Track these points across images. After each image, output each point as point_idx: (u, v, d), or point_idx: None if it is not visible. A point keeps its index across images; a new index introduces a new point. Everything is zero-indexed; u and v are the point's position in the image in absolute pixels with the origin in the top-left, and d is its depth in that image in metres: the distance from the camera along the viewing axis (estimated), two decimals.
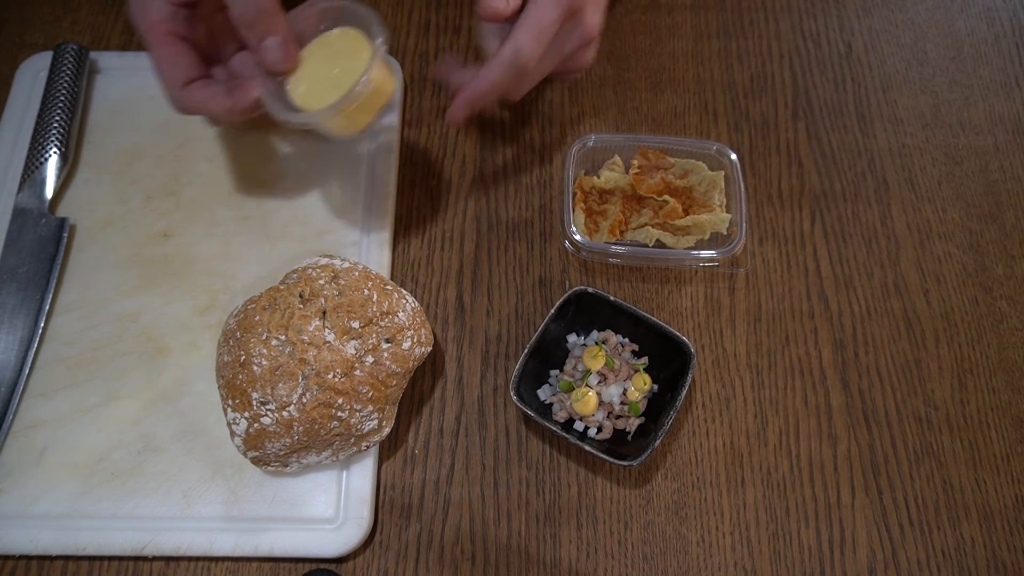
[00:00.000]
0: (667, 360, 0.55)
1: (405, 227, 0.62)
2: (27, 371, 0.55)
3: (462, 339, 0.58)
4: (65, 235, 0.58)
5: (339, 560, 0.51)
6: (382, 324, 0.50)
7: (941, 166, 0.65)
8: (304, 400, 0.47)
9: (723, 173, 0.61)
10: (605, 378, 0.54)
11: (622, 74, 0.69)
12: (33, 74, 0.65)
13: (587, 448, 0.51)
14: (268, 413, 0.47)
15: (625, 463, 0.50)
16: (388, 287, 0.52)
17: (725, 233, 0.59)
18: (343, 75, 0.50)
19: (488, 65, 0.53)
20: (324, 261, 0.53)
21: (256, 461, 0.49)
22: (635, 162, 0.61)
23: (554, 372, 0.56)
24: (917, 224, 0.63)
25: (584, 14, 0.54)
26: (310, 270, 0.52)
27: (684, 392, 0.52)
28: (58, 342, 0.56)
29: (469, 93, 0.54)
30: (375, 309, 0.50)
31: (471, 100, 0.54)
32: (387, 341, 0.50)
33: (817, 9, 0.72)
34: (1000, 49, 0.70)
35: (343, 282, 0.50)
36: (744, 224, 0.58)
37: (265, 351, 0.48)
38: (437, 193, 0.63)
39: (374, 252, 0.59)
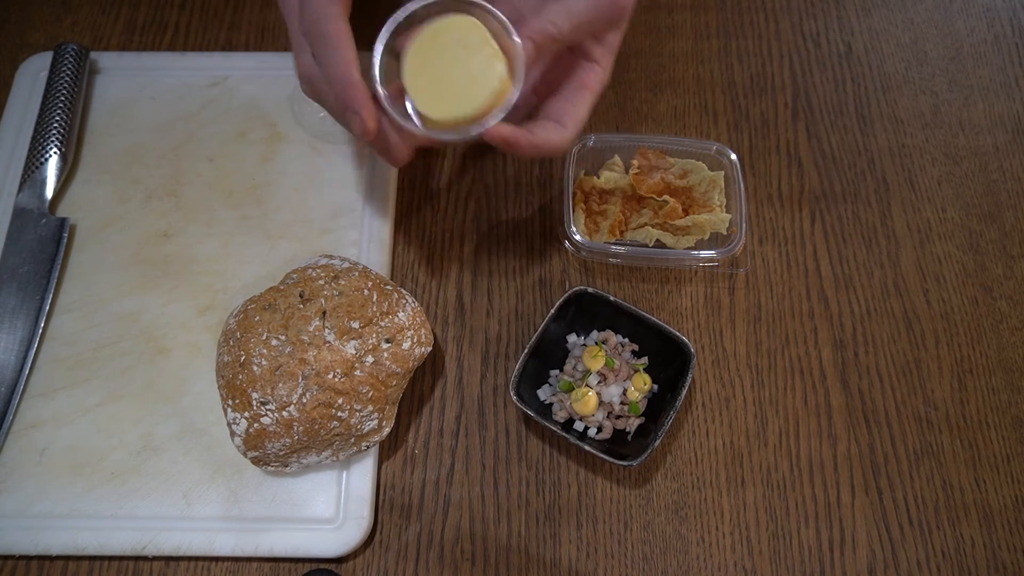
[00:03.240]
0: (667, 360, 0.55)
1: (405, 227, 0.62)
2: (27, 371, 0.55)
3: (462, 339, 0.58)
4: (65, 235, 0.58)
5: (339, 560, 0.51)
6: (382, 324, 0.50)
7: (941, 166, 0.65)
8: (304, 400, 0.47)
9: (723, 173, 0.61)
10: (605, 378, 0.54)
11: (622, 74, 0.69)
12: (33, 74, 0.65)
13: (587, 448, 0.51)
14: (268, 413, 0.47)
15: (625, 463, 0.50)
16: (388, 287, 0.52)
17: (725, 233, 0.59)
18: (466, 74, 0.45)
19: (544, 136, 0.49)
20: (324, 261, 0.53)
21: (256, 461, 0.49)
22: (635, 162, 0.61)
23: (554, 372, 0.56)
24: (917, 224, 0.63)
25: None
26: (310, 270, 0.52)
27: (684, 392, 0.52)
28: (58, 342, 0.56)
29: (524, 145, 0.48)
30: (375, 309, 0.50)
31: (520, 146, 0.48)
32: (387, 341, 0.50)
33: (817, 9, 0.72)
34: (1000, 49, 0.70)
35: (343, 282, 0.50)
36: (744, 224, 0.58)
37: (265, 351, 0.48)
38: (437, 193, 0.63)
39: (374, 252, 0.59)
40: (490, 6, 0.46)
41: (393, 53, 0.47)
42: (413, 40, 0.46)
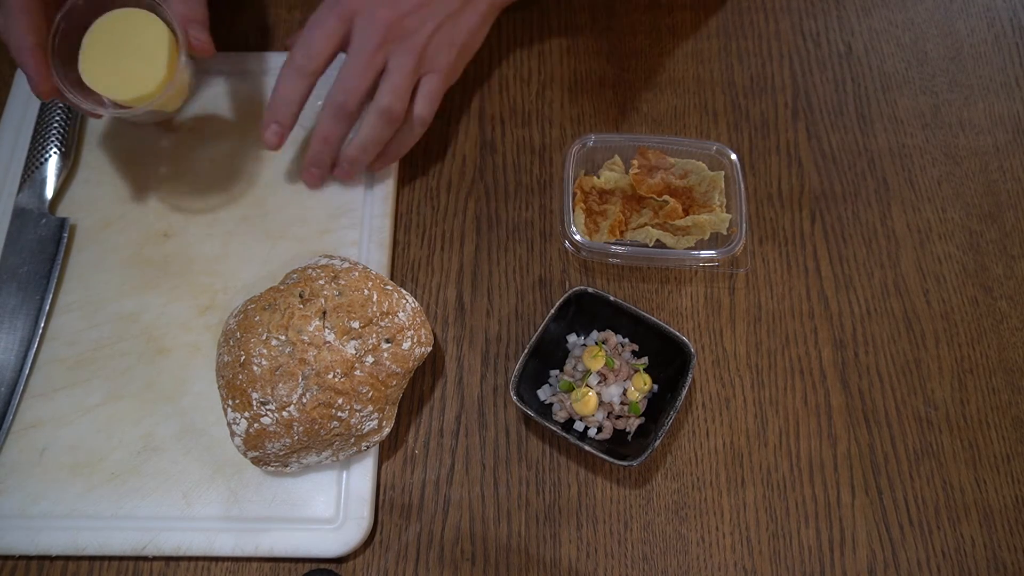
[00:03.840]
0: (667, 360, 0.55)
1: (405, 227, 0.62)
2: (27, 371, 0.55)
3: (462, 339, 0.58)
4: (65, 235, 0.58)
5: (339, 560, 0.51)
6: (382, 324, 0.50)
7: (941, 166, 0.65)
8: (304, 400, 0.47)
9: (723, 173, 0.61)
10: (605, 378, 0.54)
11: (622, 74, 0.69)
12: None
13: (587, 448, 0.51)
14: (268, 413, 0.47)
15: (625, 463, 0.50)
16: (388, 287, 0.52)
17: (725, 233, 0.59)
18: (137, 58, 0.51)
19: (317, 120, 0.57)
20: (324, 261, 0.53)
21: (256, 461, 0.49)
22: (635, 162, 0.61)
23: (554, 372, 0.56)
24: (917, 224, 0.63)
25: (406, 40, 0.56)
26: (310, 270, 0.52)
27: (684, 392, 0.52)
28: (58, 342, 0.56)
29: (310, 156, 0.58)
30: (375, 309, 0.50)
31: (314, 160, 0.59)
32: (387, 341, 0.50)
33: (817, 9, 0.72)
34: (1000, 49, 0.70)
35: (343, 282, 0.50)
36: (744, 224, 0.58)
37: (265, 351, 0.48)
38: (437, 193, 0.63)
39: (374, 252, 0.59)
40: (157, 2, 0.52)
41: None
42: (91, 29, 0.52)
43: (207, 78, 0.66)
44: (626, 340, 0.57)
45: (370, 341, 0.49)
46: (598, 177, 0.62)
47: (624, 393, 0.54)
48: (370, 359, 0.49)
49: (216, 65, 0.66)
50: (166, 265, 0.59)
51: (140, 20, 0.52)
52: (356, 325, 0.49)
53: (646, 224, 0.60)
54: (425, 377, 0.57)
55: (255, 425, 0.47)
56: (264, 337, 0.48)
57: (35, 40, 0.50)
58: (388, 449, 0.55)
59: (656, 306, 0.60)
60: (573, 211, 0.59)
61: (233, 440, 0.49)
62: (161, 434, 0.53)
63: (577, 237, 0.58)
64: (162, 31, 0.52)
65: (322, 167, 0.59)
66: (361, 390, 0.48)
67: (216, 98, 0.65)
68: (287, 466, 0.50)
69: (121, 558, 0.51)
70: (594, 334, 0.57)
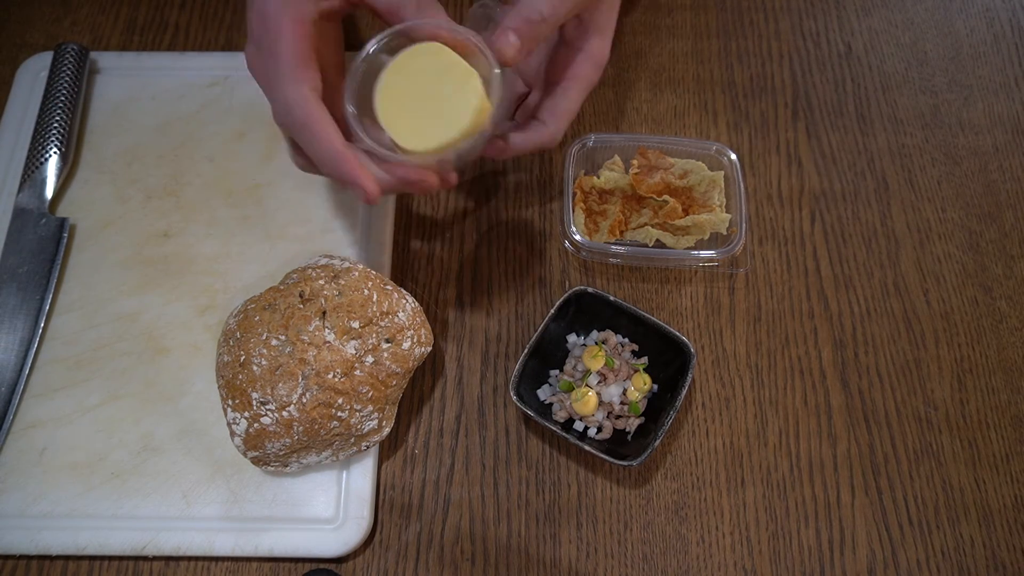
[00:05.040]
0: (667, 360, 0.55)
1: (405, 227, 0.62)
2: (27, 371, 0.55)
3: (462, 339, 0.58)
4: (65, 235, 0.58)
5: (339, 560, 0.51)
6: (382, 324, 0.50)
7: (941, 166, 0.65)
8: (304, 400, 0.47)
9: (723, 173, 0.61)
10: (605, 378, 0.54)
11: (622, 74, 0.69)
12: (33, 74, 0.65)
13: (587, 448, 0.51)
14: (268, 413, 0.47)
15: (625, 463, 0.50)
16: (388, 287, 0.52)
17: (725, 233, 0.59)
18: (440, 101, 0.44)
19: (524, 138, 0.52)
20: (324, 261, 0.53)
21: (256, 461, 0.49)
22: (635, 162, 0.61)
23: (554, 372, 0.56)
24: (917, 224, 0.63)
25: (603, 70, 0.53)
26: (310, 270, 0.52)
27: (684, 392, 0.52)
28: (58, 342, 0.56)
29: (509, 150, 0.52)
30: (375, 309, 0.50)
31: (506, 152, 0.52)
32: (387, 341, 0.50)
33: (817, 9, 0.72)
34: (999, 49, 0.70)
35: (343, 282, 0.50)
36: (744, 224, 0.58)
37: (265, 351, 0.48)
38: (437, 193, 0.63)
39: (374, 252, 0.59)
40: (460, 27, 0.44)
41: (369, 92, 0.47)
42: (383, 75, 0.46)
43: (208, 78, 0.66)
44: (626, 340, 0.57)
45: (370, 341, 0.49)
46: (598, 177, 0.62)
47: (624, 393, 0.54)
48: (370, 359, 0.49)
49: (215, 65, 0.66)
50: (166, 265, 0.59)
51: (428, 53, 0.45)
52: (356, 325, 0.49)
53: (646, 224, 0.60)
54: (425, 377, 0.57)
55: (255, 425, 0.47)
56: (264, 337, 0.48)
57: (344, 147, 0.43)
58: (388, 449, 0.55)
59: (656, 306, 0.60)
60: (573, 211, 0.59)
61: (233, 440, 0.49)
62: (161, 434, 0.53)
63: (577, 237, 0.58)
64: (452, 56, 0.45)
65: None
66: (361, 390, 0.48)
67: (216, 98, 0.65)
68: (287, 466, 0.50)
69: (121, 558, 0.51)
70: (594, 334, 0.57)
